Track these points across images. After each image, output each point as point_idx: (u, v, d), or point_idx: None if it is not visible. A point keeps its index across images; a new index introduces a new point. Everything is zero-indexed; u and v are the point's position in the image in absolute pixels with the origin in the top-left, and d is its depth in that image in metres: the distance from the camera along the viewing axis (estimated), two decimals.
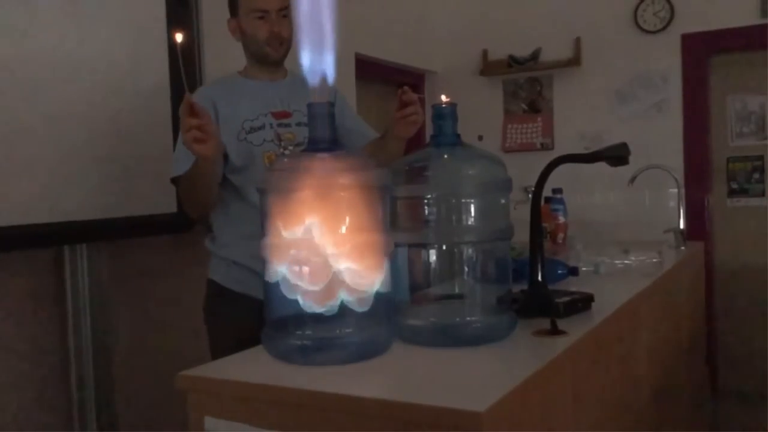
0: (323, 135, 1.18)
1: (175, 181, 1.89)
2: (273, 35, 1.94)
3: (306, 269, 1.12)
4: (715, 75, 3.91)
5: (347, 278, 1.12)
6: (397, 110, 1.85)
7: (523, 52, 4.19)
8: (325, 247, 1.11)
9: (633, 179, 2.93)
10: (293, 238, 1.13)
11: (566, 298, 1.46)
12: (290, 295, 1.13)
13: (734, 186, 3.89)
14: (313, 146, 1.19)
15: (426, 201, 1.26)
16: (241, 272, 1.94)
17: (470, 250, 1.27)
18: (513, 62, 4.21)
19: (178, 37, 1.55)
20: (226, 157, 1.93)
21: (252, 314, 1.63)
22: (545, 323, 1.30)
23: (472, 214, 1.27)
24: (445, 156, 1.32)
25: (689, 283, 2.67)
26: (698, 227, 3.77)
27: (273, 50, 1.96)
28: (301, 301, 1.13)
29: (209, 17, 2.48)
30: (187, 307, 2.26)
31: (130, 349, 2.33)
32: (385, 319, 1.18)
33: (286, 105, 1.98)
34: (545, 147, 4.21)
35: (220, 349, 1.87)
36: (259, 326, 1.22)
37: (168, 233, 2.34)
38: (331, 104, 1.20)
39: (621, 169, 1.65)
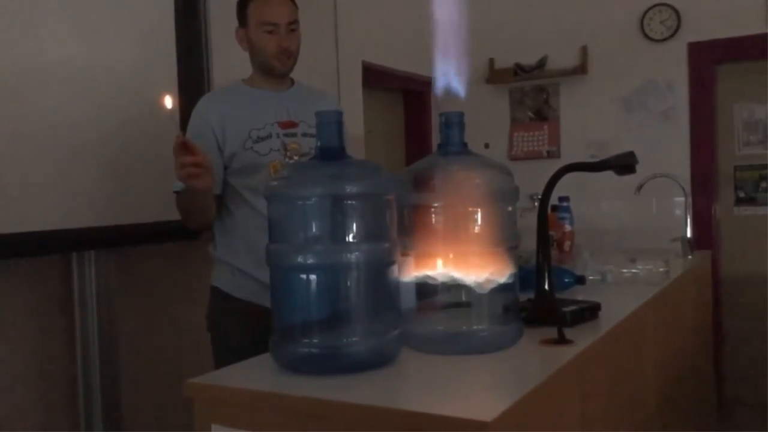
0: (332, 143, 1.19)
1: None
2: (281, 50, 1.95)
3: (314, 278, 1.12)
4: (722, 83, 3.90)
5: (357, 286, 1.12)
6: None
7: (529, 60, 4.20)
8: (335, 254, 1.12)
9: (640, 188, 2.92)
10: (303, 246, 1.13)
11: (573, 307, 1.46)
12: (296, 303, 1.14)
13: (741, 195, 3.88)
14: (322, 154, 1.20)
15: (433, 209, 1.26)
16: (244, 279, 1.94)
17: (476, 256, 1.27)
18: (519, 70, 4.21)
19: (168, 102, 1.54)
20: (225, 167, 1.95)
21: (255, 321, 1.64)
22: (552, 332, 1.30)
23: (479, 222, 1.27)
24: (452, 164, 1.32)
25: (696, 292, 2.66)
26: (705, 236, 3.76)
27: (280, 64, 1.97)
28: (306, 308, 1.14)
29: (217, 24, 2.49)
30: (194, 314, 2.26)
31: (138, 355, 2.33)
32: (393, 328, 1.18)
33: (293, 115, 1.99)
34: (552, 155, 4.20)
35: (223, 357, 1.88)
36: (263, 333, 1.22)
37: (175, 240, 2.34)
38: (340, 113, 1.21)
39: (628, 177, 1.65)
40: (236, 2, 2.01)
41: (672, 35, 3.87)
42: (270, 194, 1.20)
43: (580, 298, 1.60)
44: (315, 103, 2.01)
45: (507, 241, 1.28)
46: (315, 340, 1.14)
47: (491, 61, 4.32)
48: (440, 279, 1.21)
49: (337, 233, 1.13)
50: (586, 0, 4.08)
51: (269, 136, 1.95)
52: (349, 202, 1.13)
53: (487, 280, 1.19)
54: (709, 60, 3.84)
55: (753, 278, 3.82)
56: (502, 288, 1.26)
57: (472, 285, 1.19)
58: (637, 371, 1.71)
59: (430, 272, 1.21)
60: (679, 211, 3.68)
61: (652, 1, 3.90)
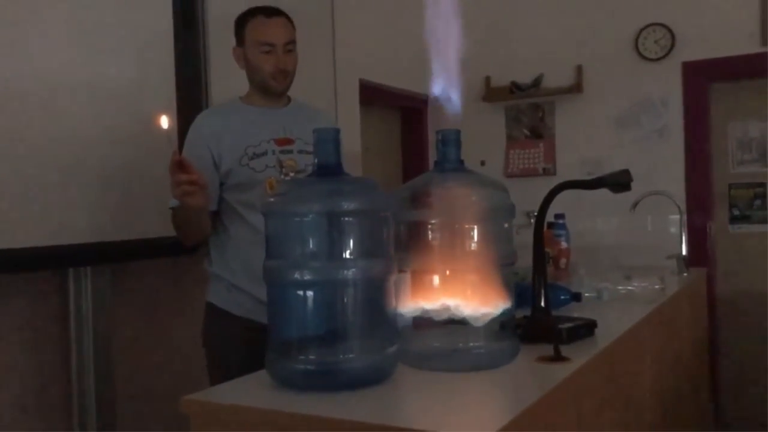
0: (330, 160, 1.19)
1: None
2: (278, 70, 1.96)
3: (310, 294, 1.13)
4: (716, 102, 3.93)
5: (354, 302, 1.13)
6: None
7: (525, 78, 4.23)
8: (332, 270, 1.12)
9: (635, 205, 2.93)
10: (300, 262, 1.14)
11: (569, 324, 1.46)
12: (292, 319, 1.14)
13: (736, 213, 3.89)
14: (320, 171, 1.20)
15: (430, 226, 1.27)
16: (239, 295, 1.94)
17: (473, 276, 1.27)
18: (515, 89, 4.24)
19: (164, 122, 1.61)
20: (221, 183, 1.95)
21: (251, 337, 1.63)
22: (548, 349, 1.30)
23: (476, 239, 1.27)
24: (449, 181, 1.32)
25: (691, 310, 2.67)
26: (700, 253, 3.76)
27: (277, 83, 1.99)
28: (303, 325, 1.14)
29: (215, 42, 2.50)
30: (189, 329, 2.26)
31: (133, 370, 2.32)
32: (389, 344, 1.18)
33: (289, 132, 2.00)
34: (547, 172, 4.22)
35: (219, 373, 1.87)
36: (259, 350, 1.22)
37: (171, 256, 2.34)
38: (338, 130, 1.21)
39: (623, 194, 1.66)
40: (234, 21, 2.03)
41: (666, 54, 3.90)
42: (267, 210, 1.20)
43: (576, 315, 1.60)
44: (311, 120, 2.02)
45: (503, 258, 1.28)
46: (311, 357, 1.14)
47: (487, 79, 4.34)
48: (438, 315, 1.21)
49: (334, 250, 1.13)
50: (581, 20, 4.11)
51: (265, 153, 1.95)
52: (346, 218, 1.14)
53: (484, 315, 1.19)
54: (704, 79, 3.87)
55: (748, 296, 3.82)
56: None
57: (470, 320, 1.19)
58: (634, 388, 1.71)
59: (427, 306, 1.21)
60: (674, 229, 3.68)
61: (646, 20, 3.94)
